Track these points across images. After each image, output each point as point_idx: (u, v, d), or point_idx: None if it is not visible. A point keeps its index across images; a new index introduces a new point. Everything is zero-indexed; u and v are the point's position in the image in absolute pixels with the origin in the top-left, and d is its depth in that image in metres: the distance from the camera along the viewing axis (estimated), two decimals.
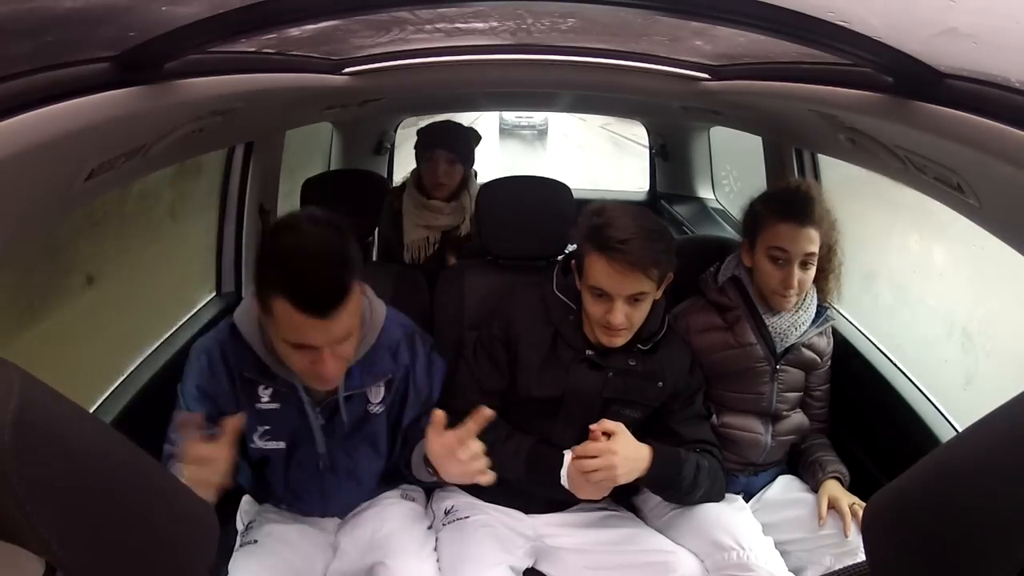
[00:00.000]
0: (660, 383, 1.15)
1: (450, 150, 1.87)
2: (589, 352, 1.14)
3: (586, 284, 1.08)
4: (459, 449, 0.92)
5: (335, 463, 1.10)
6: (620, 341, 1.10)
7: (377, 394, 1.09)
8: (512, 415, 1.18)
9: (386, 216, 2.00)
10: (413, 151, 1.97)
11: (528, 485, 1.14)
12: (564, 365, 1.15)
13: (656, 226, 1.06)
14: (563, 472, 1.08)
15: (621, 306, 1.05)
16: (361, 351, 1.03)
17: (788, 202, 1.19)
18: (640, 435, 1.13)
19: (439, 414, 0.96)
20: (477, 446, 0.93)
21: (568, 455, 1.08)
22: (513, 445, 1.14)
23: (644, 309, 1.08)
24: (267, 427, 1.05)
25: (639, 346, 1.14)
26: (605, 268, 1.03)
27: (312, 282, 0.86)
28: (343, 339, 0.91)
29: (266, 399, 1.03)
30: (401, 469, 1.15)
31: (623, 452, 1.04)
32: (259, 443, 1.06)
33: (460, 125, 1.96)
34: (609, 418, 1.12)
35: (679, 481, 1.09)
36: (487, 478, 0.93)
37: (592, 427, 1.05)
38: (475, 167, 2.03)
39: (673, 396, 1.17)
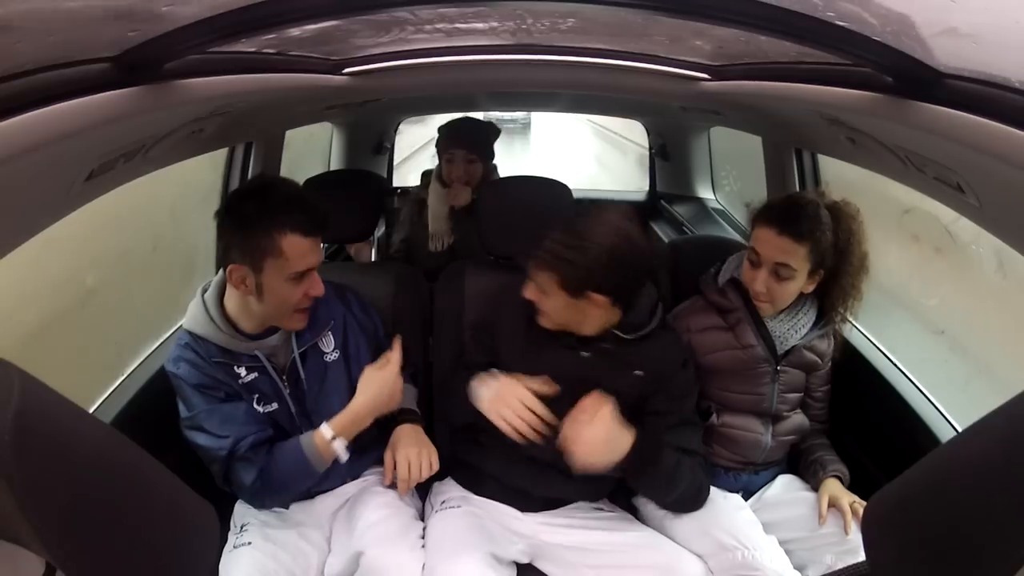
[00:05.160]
0: (638, 372, 1.15)
1: (469, 150, 1.89)
2: (571, 338, 1.15)
3: None
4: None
5: (313, 422, 1.16)
6: (544, 321, 1.14)
7: (328, 343, 1.21)
8: None
9: (411, 208, 2.05)
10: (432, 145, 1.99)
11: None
12: (539, 349, 1.16)
13: (591, 239, 1.04)
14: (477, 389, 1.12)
15: (532, 287, 1.11)
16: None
17: (774, 208, 1.19)
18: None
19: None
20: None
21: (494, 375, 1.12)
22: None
23: (552, 303, 1.10)
24: (256, 394, 1.13)
25: (616, 331, 1.14)
26: None
27: (312, 205, 1.06)
28: (321, 261, 1.11)
29: (244, 373, 1.13)
30: None
31: (591, 435, 1.02)
32: (261, 409, 1.13)
33: (479, 122, 1.98)
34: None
35: (659, 471, 1.09)
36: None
37: (580, 404, 1.05)
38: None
39: (656, 392, 1.16)
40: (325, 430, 1.10)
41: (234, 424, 1.08)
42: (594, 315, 1.11)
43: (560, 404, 1.09)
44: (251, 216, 1.01)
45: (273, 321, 1.13)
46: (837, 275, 1.20)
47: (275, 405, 1.15)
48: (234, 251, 1.03)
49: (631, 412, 1.16)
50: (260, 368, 1.13)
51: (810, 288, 1.20)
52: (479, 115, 2.67)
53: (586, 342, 1.15)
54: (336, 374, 1.20)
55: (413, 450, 1.16)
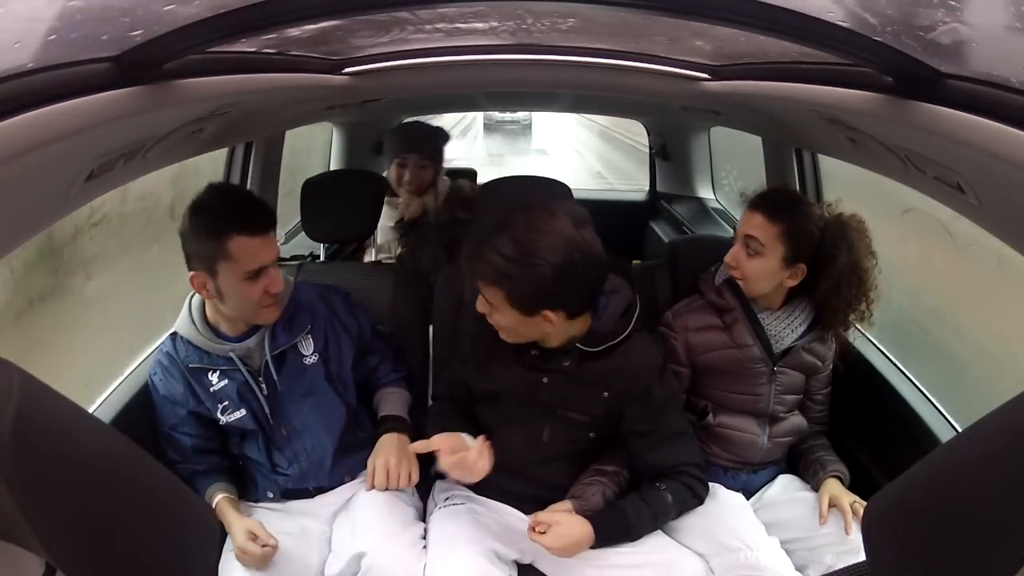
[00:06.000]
0: (605, 392, 1.10)
1: (423, 155, 1.90)
2: (534, 352, 1.11)
3: None
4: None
5: (292, 423, 1.20)
6: (504, 336, 1.08)
7: (307, 345, 1.22)
8: (474, 406, 1.22)
9: None
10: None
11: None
12: (501, 362, 1.13)
13: (539, 254, 0.95)
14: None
15: (482, 301, 1.04)
16: (284, 298, 1.19)
17: (759, 193, 1.26)
18: (597, 448, 1.16)
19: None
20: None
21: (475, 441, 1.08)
22: (441, 418, 1.18)
23: (503, 320, 1.03)
24: (224, 403, 1.18)
25: (579, 345, 1.09)
26: None
27: (254, 205, 1.12)
28: (276, 256, 1.13)
29: (215, 380, 1.18)
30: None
31: (551, 544, 1.04)
32: (225, 418, 1.18)
33: (433, 128, 2.00)
34: (556, 421, 1.12)
35: (637, 529, 1.10)
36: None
37: (530, 522, 1.08)
38: (454, 163, 2.07)
39: (630, 406, 1.12)
40: (211, 495, 1.17)
41: (170, 452, 1.20)
42: (551, 330, 1.04)
43: (532, 424, 1.12)
44: (199, 225, 1.07)
45: (247, 319, 1.17)
46: (837, 285, 1.19)
47: (242, 412, 1.18)
48: (192, 259, 1.09)
49: (599, 429, 1.15)
50: (233, 373, 1.17)
51: (791, 282, 1.21)
52: (479, 115, 2.68)
53: (549, 356, 1.10)
54: (315, 377, 1.22)
55: (393, 459, 1.18)
